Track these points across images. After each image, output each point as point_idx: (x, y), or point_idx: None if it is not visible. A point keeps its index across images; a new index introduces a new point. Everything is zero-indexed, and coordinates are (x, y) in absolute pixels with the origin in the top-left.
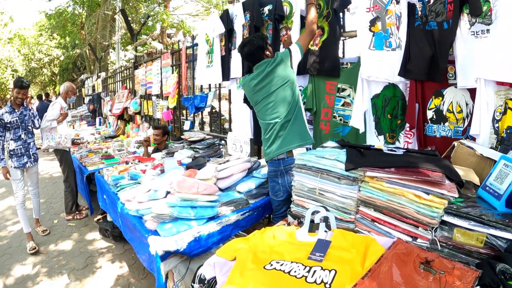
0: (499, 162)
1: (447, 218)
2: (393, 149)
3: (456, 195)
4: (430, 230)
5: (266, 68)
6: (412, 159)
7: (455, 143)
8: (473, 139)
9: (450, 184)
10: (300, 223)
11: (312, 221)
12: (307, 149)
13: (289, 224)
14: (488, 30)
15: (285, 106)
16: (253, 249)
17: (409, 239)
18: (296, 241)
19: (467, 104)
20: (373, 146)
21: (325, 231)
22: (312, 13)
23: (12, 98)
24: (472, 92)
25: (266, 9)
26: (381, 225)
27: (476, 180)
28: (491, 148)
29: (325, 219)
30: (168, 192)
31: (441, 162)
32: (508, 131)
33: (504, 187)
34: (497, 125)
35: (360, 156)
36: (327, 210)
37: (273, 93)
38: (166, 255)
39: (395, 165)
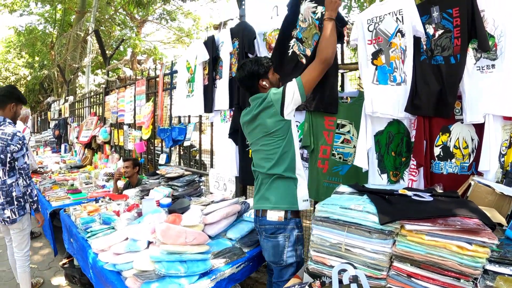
0: None
1: (490, 267)
2: (419, 194)
3: (497, 242)
4: (472, 281)
5: (254, 110)
6: (444, 205)
7: (472, 182)
8: (479, 174)
9: (489, 230)
10: (323, 284)
11: (339, 282)
12: (286, 211)
13: (310, 286)
14: (493, 65)
15: (267, 160)
16: None
17: None
18: None
19: (472, 140)
20: (397, 191)
21: None
22: (327, 33)
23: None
24: (477, 127)
25: None
26: (419, 280)
27: (502, 220)
28: (496, 182)
29: (355, 279)
30: (150, 242)
31: (470, 206)
32: None
33: None
34: (502, 159)
35: (388, 205)
36: (354, 267)
37: (258, 140)
38: None
39: (432, 215)
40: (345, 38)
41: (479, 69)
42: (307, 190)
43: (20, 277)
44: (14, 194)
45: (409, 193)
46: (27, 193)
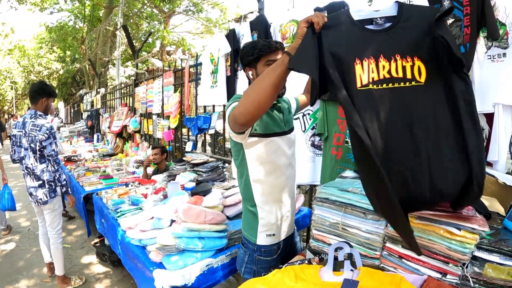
0: None
1: (478, 254)
2: None
3: (487, 230)
4: (460, 266)
5: None
6: None
7: None
8: (489, 164)
9: (480, 217)
10: (322, 260)
11: (335, 258)
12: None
13: (309, 262)
14: (504, 54)
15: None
16: None
17: (439, 275)
18: (320, 282)
19: (483, 129)
20: None
21: (351, 270)
22: (263, 74)
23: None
24: (487, 116)
25: None
26: (409, 261)
27: (501, 210)
28: (506, 173)
29: (349, 256)
30: (172, 221)
31: None
32: None
33: None
34: None
35: None
36: (350, 246)
37: None
38: None
39: None
40: None
41: (490, 58)
42: (273, 225)
43: (53, 253)
44: (45, 178)
45: None
46: (56, 178)
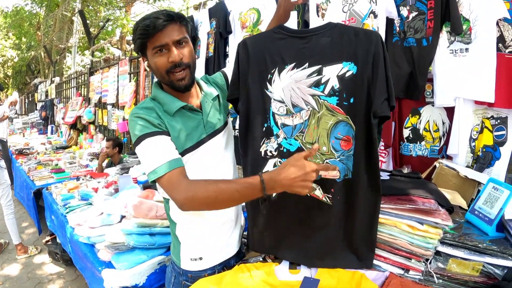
0: (488, 186)
1: (442, 249)
2: None
3: (451, 224)
4: (423, 262)
5: None
6: (401, 184)
7: (436, 164)
8: (449, 158)
9: (443, 211)
10: (277, 258)
11: None
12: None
13: (264, 259)
14: (467, 49)
15: None
16: None
17: (401, 271)
18: (277, 281)
19: (443, 123)
20: None
21: (309, 268)
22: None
23: None
24: (449, 110)
25: None
26: None
27: (463, 204)
28: (467, 167)
29: None
30: (123, 216)
31: (429, 187)
32: (484, 150)
33: (495, 211)
34: (473, 144)
35: None
36: None
37: None
38: None
39: (385, 193)
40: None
41: (452, 52)
42: (198, 247)
43: (8, 224)
44: None
45: None
46: None
